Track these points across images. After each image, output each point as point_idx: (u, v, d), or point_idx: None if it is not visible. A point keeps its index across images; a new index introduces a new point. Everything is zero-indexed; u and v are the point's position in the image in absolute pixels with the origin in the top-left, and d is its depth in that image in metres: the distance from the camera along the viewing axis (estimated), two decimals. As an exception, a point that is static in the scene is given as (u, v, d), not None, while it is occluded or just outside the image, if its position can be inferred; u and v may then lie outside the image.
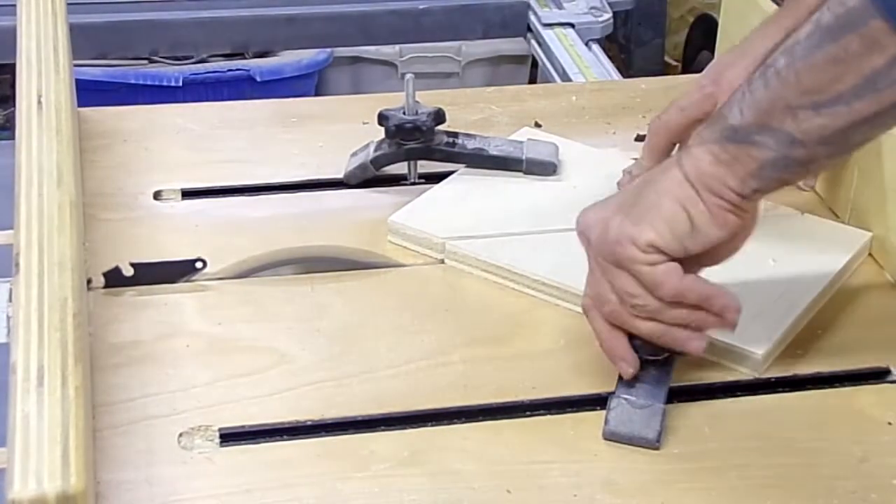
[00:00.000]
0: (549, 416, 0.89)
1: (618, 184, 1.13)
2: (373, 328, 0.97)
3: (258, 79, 2.45)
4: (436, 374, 0.93)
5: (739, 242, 0.86)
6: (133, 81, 2.40)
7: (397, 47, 2.62)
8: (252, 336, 0.96)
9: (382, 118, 1.13)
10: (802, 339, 0.97)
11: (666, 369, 0.89)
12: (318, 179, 1.17)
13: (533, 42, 2.08)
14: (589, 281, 0.88)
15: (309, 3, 2.09)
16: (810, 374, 0.94)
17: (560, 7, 2.10)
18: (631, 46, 2.70)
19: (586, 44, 1.98)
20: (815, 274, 1.02)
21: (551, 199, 1.12)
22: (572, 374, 0.93)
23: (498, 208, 1.11)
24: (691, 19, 2.83)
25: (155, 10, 2.06)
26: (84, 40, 1.81)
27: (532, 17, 2.09)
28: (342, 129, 1.24)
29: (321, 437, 0.86)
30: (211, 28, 2.07)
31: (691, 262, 0.85)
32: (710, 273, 0.87)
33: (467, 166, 1.16)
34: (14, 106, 1.03)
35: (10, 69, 1.61)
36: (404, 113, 1.13)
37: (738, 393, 0.92)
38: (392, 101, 1.16)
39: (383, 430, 0.87)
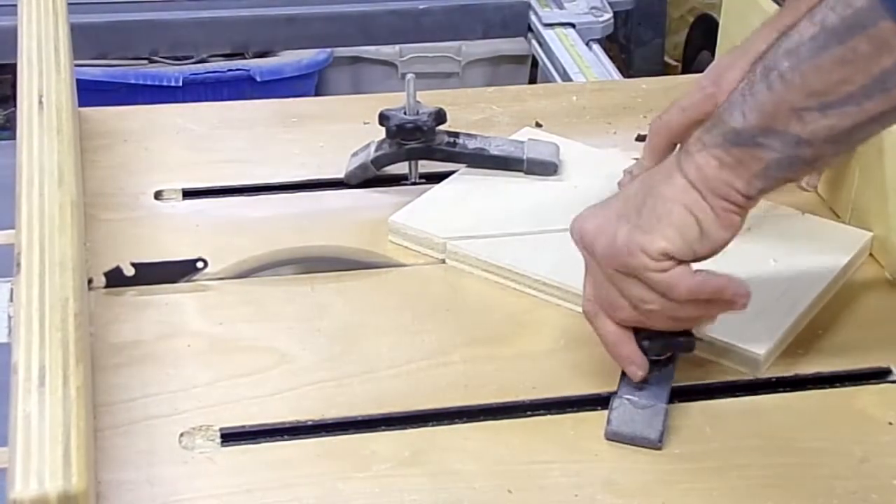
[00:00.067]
0: (549, 416, 0.89)
1: (618, 184, 1.13)
2: (373, 328, 0.97)
3: (258, 79, 2.45)
4: (436, 374, 0.93)
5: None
6: (133, 81, 2.40)
7: (397, 47, 2.62)
8: (253, 336, 0.96)
9: (383, 118, 1.13)
10: (803, 339, 0.97)
11: (668, 369, 0.89)
12: (319, 179, 1.17)
13: (533, 42, 2.08)
14: (592, 287, 0.88)
15: (309, 3, 2.09)
16: (811, 374, 0.94)
17: (560, 7, 2.10)
18: (631, 46, 2.70)
19: (587, 44, 1.98)
20: (815, 274, 1.02)
21: (552, 199, 1.12)
22: (573, 374, 0.93)
23: (499, 208, 1.11)
24: (691, 19, 2.83)
25: (155, 10, 2.06)
26: (84, 40, 1.81)
27: (532, 17, 2.09)
28: (342, 129, 1.24)
29: (322, 437, 0.86)
30: (211, 28, 2.07)
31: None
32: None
33: (468, 166, 1.16)
34: (15, 106, 1.03)
35: (10, 69, 1.61)
36: (405, 113, 1.13)
37: (739, 393, 0.92)
38: (392, 101, 1.16)
39: (384, 430, 0.87)
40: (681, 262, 0.83)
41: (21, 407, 0.70)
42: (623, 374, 0.89)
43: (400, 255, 1.07)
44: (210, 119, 1.27)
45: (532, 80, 2.56)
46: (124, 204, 1.12)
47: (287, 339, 0.96)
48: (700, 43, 2.68)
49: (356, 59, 2.66)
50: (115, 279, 1.00)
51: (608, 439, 0.86)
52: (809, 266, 1.02)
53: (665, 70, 2.77)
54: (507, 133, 1.21)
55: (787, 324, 0.96)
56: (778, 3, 1.20)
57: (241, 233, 1.09)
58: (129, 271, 1.01)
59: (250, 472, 0.83)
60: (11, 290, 0.88)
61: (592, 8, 2.08)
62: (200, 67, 2.44)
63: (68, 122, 0.98)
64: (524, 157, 1.15)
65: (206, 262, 1.02)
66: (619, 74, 1.91)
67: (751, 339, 0.93)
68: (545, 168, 1.15)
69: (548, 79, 1.96)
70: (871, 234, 1.07)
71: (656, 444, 0.86)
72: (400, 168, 1.16)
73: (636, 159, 1.14)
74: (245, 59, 2.50)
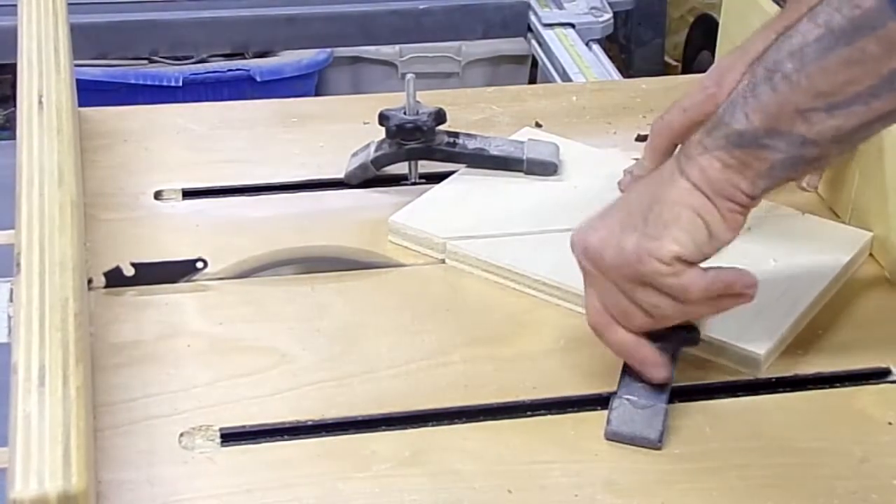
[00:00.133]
0: (549, 416, 0.89)
1: (618, 183, 1.13)
2: (373, 328, 0.97)
3: (258, 79, 2.45)
4: (436, 374, 0.93)
5: None
6: (133, 81, 2.40)
7: (397, 47, 2.62)
8: (253, 336, 0.96)
9: (383, 118, 1.13)
10: (803, 339, 0.97)
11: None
12: (319, 179, 1.17)
13: (533, 42, 2.08)
14: (598, 299, 0.88)
15: (309, 3, 2.09)
16: (811, 374, 0.94)
17: (560, 7, 2.10)
18: (631, 46, 2.70)
19: (587, 44, 1.98)
20: (815, 274, 1.02)
21: (552, 199, 1.12)
22: (573, 374, 0.93)
23: (499, 208, 1.11)
24: (691, 19, 2.83)
25: (155, 10, 2.06)
26: (84, 40, 1.81)
27: (532, 17, 2.10)
28: (342, 129, 1.24)
29: (322, 437, 0.86)
30: (211, 28, 2.07)
31: None
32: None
33: (468, 166, 1.16)
34: (15, 106, 1.03)
35: (10, 69, 1.61)
36: (405, 113, 1.13)
37: (739, 393, 0.92)
38: (392, 101, 1.16)
39: (384, 430, 0.87)
40: (691, 264, 0.84)
41: (21, 407, 0.70)
42: (623, 374, 0.89)
43: (400, 255, 1.07)
44: (210, 119, 1.27)
45: (532, 80, 2.56)
46: (124, 204, 1.12)
47: (287, 339, 0.96)
48: (700, 43, 2.68)
49: (356, 59, 2.66)
50: (115, 279, 1.00)
51: (608, 439, 0.86)
52: (809, 266, 1.02)
53: (665, 70, 2.77)
54: (507, 133, 1.21)
55: (787, 324, 0.96)
56: (778, 4, 1.20)
57: (241, 233, 1.09)
58: (129, 271, 1.01)
59: (250, 472, 0.83)
60: (11, 290, 0.88)
61: (592, 8, 2.08)
62: (200, 67, 2.44)
63: (68, 122, 0.98)
64: (524, 157, 1.15)
65: (206, 262, 1.02)
66: (619, 74, 1.91)
67: (751, 339, 0.93)
68: (545, 168, 1.15)
69: (548, 79, 1.96)
70: (871, 234, 1.07)
71: (656, 444, 0.86)
72: (400, 168, 1.16)
73: (636, 159, 1.14)
74: (245, 59, 2.50)
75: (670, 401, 0.88)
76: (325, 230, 1.10)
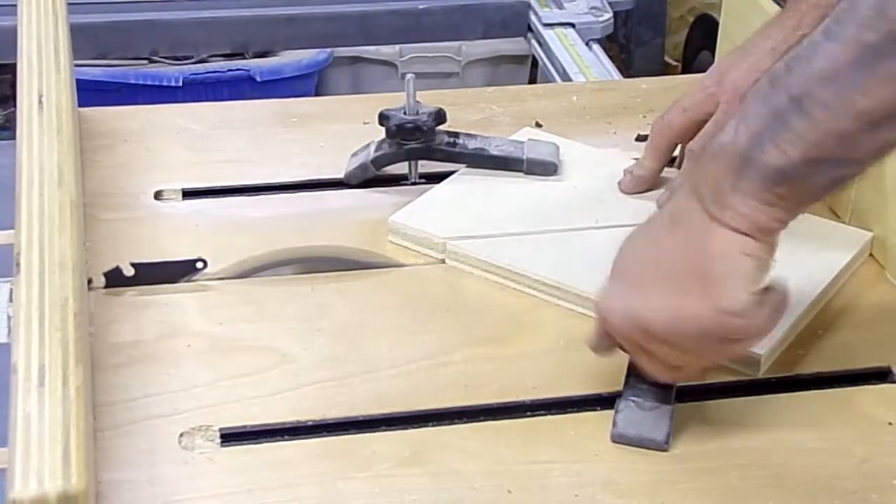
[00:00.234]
0: (550, 417, 0.89)
1: (619, 183, 1.13)
2: (374, 328, 0.97)
3: (258, 79, 2.45)
4: (437, 374, 0.93)
5: None
6: (133, 81, 2.40)
7: (397, 47, 2.62)
8: (253, 336, 0.96)
9: (383, 118, 1.13)
10: (803, 339, 0.97)
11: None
12: (319, 179, 1.17)
13: (533, 42, 2.08)
14: (653, 363, 0.86)
15: (309, 3, 2.09)
16: (811, 374, 0.94)
17: (560, 7, 2.10)
18: (631, 46, 2.70)
19: (587, 44, 1.98)
20: (815, 274, 1.02)
21: (552, 199, 1.12)
22: (573, 374, 0.93)
23: (499, 208, 1.11)
24: (691, 19, 2.83)
25: (155, 10, 2.06)
26: (84, 40, 1.81)
27: (532, 17, 2.09)
28: (342, 129, 1.24)
29: (322, 437, 0.86)
30: (211, 28, 2.07)
31: None
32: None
33: (468, 166, 1.16)
34: (14, 106, 1.03)
35: (10, 69, 1.61)
36: (405, 113, 1.13)
37: (739, 393, 0.92)
38: (392, 101, 1.16)
39: (384, 430, 0.87)
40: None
41: (21, 407, 0.70)
42: (628, 376, 0.89)
43: (400, 255, 1.07)
44: (210, 119, 1.27)
45: (532, 80, 2.56)
46: (124, 204, 1.12)
47: (287, 339, 0.96)
48: (700, 43, 2.68)
49: (356, 59, 2.66)
50: (115, 279, 1.00)
51: (614, 441, 0.86)
52: (809, 266, 1.02)
53: (665, 70, 2.77)
54: (507, 133, 1.21)
55: (787, 324, 0.96)
56: (778, 3, 1.20)
57: (241, 233, 1.09)
58: (129, 271, 1.01)
59: (251, 472, 0.83)
60: (11, 290, 0.88)
61: (592, 8, 2.08)
62: (200, 67, 2.44)
63: (68, 122, 0.98)
64: (524, 157, 1.15)
65: (205, 263, 1.02)
66: (619, 74, 1.91)
67: (751, 339, 0.93)
68: (545, 168, 1.15)
69: (548, 79, 1.96)
70: (871, 234, 1.07)
71: (662, 446, 0.86)
72: (400, 168, 1.16)
73: (636, 159, 1.14)
74: (245, 59, 2.50)
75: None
76: (325, 230, 1.10)
